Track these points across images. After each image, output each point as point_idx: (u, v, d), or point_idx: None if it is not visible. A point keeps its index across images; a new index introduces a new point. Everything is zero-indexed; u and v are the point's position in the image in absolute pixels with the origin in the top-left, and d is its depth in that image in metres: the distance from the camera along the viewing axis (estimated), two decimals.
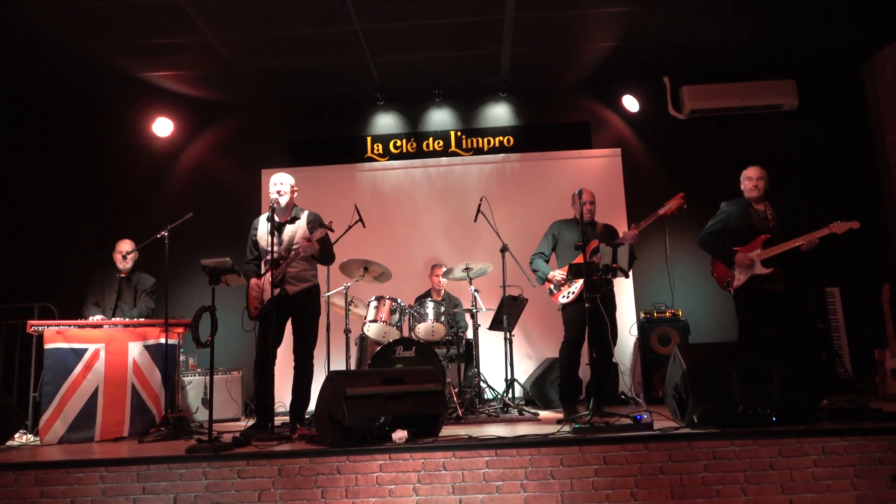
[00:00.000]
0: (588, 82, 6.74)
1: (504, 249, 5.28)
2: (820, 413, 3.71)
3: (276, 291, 4.21)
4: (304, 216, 4.49)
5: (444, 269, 5.72)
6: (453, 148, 6.87)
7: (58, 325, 4.68)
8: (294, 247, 4.33)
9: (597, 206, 4.79)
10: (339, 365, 5.54)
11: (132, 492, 3.37)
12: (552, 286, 4.71)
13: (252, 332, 4.45)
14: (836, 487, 3.28)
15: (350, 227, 5.09)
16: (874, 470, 3.29)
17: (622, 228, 5.29)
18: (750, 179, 4.57)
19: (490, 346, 5.98)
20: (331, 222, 4.29)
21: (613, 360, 5.61)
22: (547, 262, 4.87)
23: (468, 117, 6.93)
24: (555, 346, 4.68)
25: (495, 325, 5.46)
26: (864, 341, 5.66)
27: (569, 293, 4.62)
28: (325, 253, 4.42)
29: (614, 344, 4.55)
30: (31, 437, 4.71)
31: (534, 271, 4.90)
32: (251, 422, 4.55)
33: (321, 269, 4.65)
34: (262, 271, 4.39)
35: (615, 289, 4.71)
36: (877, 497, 3.26)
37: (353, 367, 5.37)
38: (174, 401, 4.89)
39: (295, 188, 4.51)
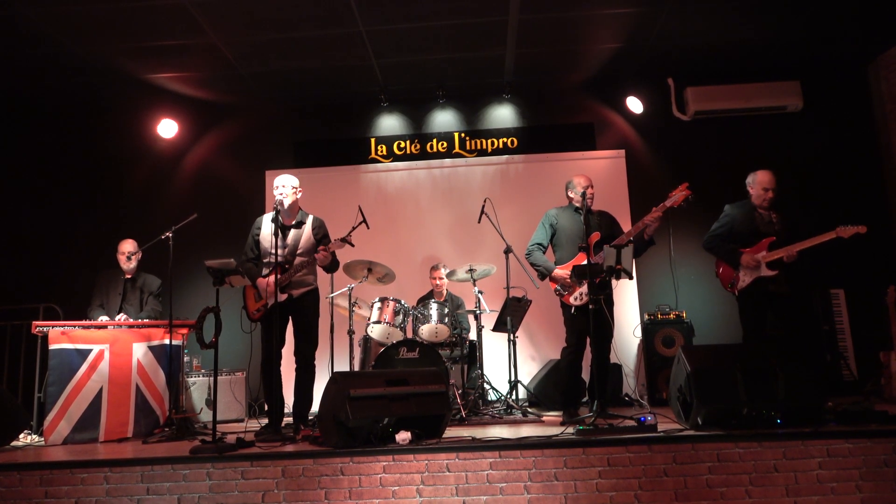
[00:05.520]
0: (592, 83, 6.74)
1: (508, 251, 5.27)
2: (825, 415, 3.69)
3: (283, 297, 4.21)
4: (309, 221, 4.49)
5: (448, 271, 5.72)
6: (457, 149, 6.87)
7: (62, 326, 4.69)
8: (299, 251, 4.34)
9: (601, 208, 4.74)
10: (342, 366, 5.55)
11: (136, 492, 3.38)
12: (559, 286, 4.47)
13: (252, 333, 4.44)
14: (841, 490, 3.26)
15: (354, 228, 5.06)
16: (879, 472, 3.28)
17: (625, 229, 5.26)
18: (766, 190, 4.53)
19: (494, 348, 5.97)
20: (349, 236, 4.25)
21: (617, 361, 5.62)
22: (544, 254, 4.62)
23: (472, 118, 6.93)
24: (559, 347, 4.64)
25: (499, 327, 5.45)
26: (869, 343, 5.65)
27: (581, 294, 4.36)
28: (333, 262, 4.44)
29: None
30: (35, 438, 4.72)
31: (533, 265, 4.61)
32: (254, 423, 4.56)
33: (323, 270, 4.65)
34: (264, 273, 4.39)
35: (616, 288, 4.65)
36: (882, 499, 3.24)
37: (356, 369, 5.36)
38: (178, 401, 4.89)
39: (298, 189, 4.50)
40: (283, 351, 4.39)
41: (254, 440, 3.88)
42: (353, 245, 4.25)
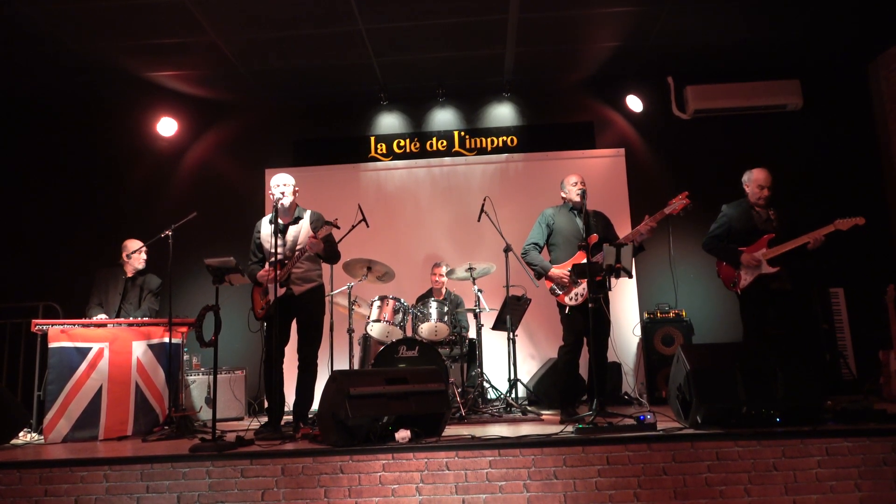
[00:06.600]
0: (592, 82, 6.74)
1: (507, 249, 5.27)
2: (824, 414, 3.69)
3: (283, 291, 4.22)
4: (306, 216, 4.50)
5: (447, 269, 5.72)
6: (457, 148, 6.87)
7: (62, 325, 4.69)
8: (298, 247, 4.34)
9: (601, 207, 4.75)
10: (342, 365, 5.55)
11: (136, 490, 3.38)
12: (555, 286, 4.47)
13: (258, 332, 4.46)
14: (839, 489, 3.27)
15: (353, 226, 5.09)
16: (878, 471, 3.28)
17: (624, 229, 5.27)
18: (761, 188, 4.54)
19: (493, 346, 5.97)
20: (336, 220, 4.26)
21: (616, 360, 5.63)
22: (540, 253, 4.62)
23: (472, 117, 6.92)
24: (558, 346, 4.64)
25: (498, 325, 5.46)
26: (868, 342, 5.65)
27: (576, 295, 4.37)
28: (330, 251, 4.42)
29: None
30: (35, 436, 4.72)
31: (530, 265, 4.60)
32: (254, 421, 4.56)
33: (325, 268, 4.66)
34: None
35: (615, 287, 4.64)
36: (881, 498, 3.25)
37: (356, 367, 5.37)
38: (178, 400, 4.89)
39: (296, 188, 4.51)
40: (287, 349, 4.39)
41: (253, 438, 3.88)
42: (338, 227, 4.24)
